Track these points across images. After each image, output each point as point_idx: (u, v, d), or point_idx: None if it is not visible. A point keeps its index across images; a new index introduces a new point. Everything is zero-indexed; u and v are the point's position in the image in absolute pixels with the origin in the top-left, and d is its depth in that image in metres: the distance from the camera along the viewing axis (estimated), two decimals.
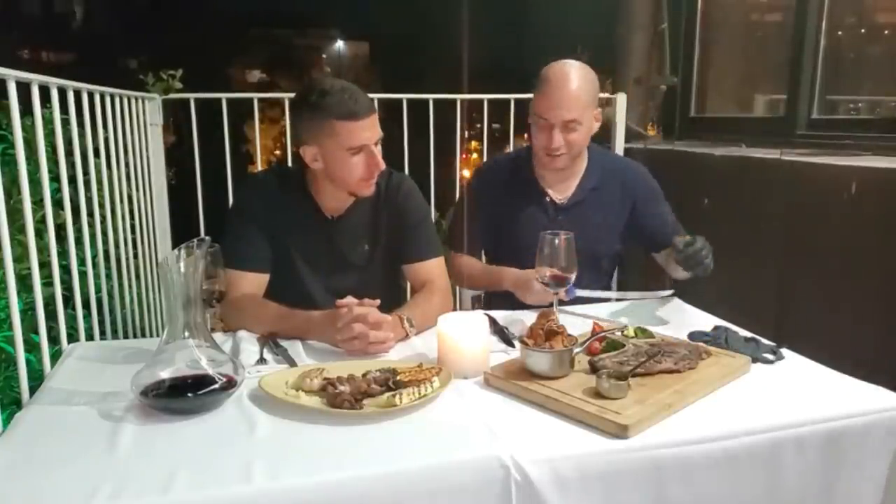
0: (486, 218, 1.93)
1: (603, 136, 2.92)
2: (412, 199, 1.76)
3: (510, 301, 1.78)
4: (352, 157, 1.56)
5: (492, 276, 1.87)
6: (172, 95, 2.63)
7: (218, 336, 1.48)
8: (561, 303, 1.54)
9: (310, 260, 1.69)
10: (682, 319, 1.63)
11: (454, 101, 2.97)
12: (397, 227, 1.73)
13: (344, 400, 1.11)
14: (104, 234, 1.88)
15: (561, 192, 1.91)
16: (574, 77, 1.75)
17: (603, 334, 1.36)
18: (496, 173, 1.98)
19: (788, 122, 2.55)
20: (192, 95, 2.67)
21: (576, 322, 1.58)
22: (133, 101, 2.31)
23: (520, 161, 1.96)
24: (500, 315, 1.64)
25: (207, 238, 1.18)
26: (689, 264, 1.54)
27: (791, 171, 2.19)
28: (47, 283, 1.49)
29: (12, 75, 1.30)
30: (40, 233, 1.49)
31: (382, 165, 1.60)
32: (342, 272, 1.71)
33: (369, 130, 1.56)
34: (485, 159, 3.14)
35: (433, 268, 1.74)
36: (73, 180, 1.70)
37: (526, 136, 2.04)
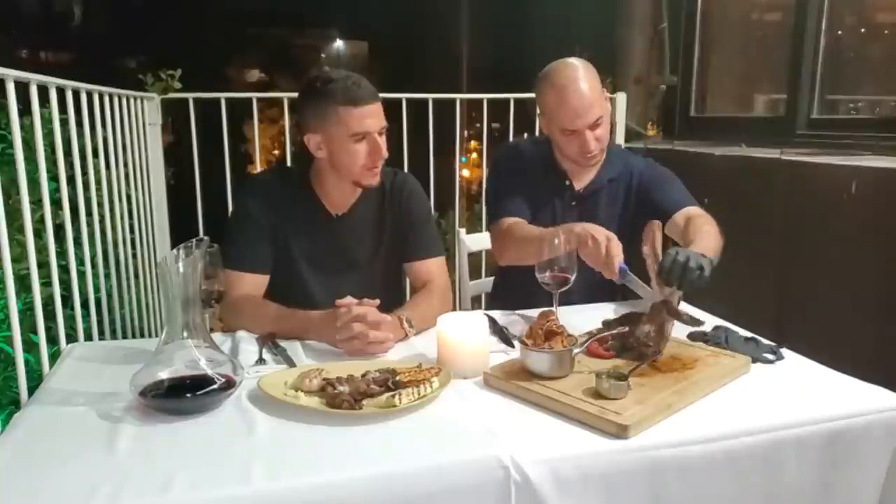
0: (512, 192, 1.87)
1: None
2: (416, 197, 1.76)
3: (510, 301, 1.78)
4: (355, 144, 1.56)
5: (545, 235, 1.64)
6: (171, 95, 2.63)
7: (217, 336, 1.48)
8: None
9: (313, 259, 1.69)
10: None
11: (454, 100, 2.97)
12: (401, 225, 1.73)
13: (343, 400, 1.11)
14: (103, 233, 1.87)
15: (581, 180, 1.89)
16: (583, 75, 1.72)
17: (605, 334, 1.36)
18: (518, 154, 1.95)
19: (788, 121, 2.54)
20: (190, 95, 2.67)
21: (578, 322, 1.57)
22: (132, 100, 2.31)
23: (541, 147, 1.93)
24: (500, 315, 1.64)
25: (206, 238, 1.18)
26: (669, 279, 1.38)
27: (791, 171, 2.19)
28: (46, 283, 1.48)
29: (11, 75, 1.30)
30: (39, 233, 1.49)
31: (385, 154, 1.61)
32: (345, 270, 1.70)
33: (373, 118, 1.56)
34: (484, 159, 3.15)
35: (434, 267, 1.74)
36: (71, 180, 1.70)
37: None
